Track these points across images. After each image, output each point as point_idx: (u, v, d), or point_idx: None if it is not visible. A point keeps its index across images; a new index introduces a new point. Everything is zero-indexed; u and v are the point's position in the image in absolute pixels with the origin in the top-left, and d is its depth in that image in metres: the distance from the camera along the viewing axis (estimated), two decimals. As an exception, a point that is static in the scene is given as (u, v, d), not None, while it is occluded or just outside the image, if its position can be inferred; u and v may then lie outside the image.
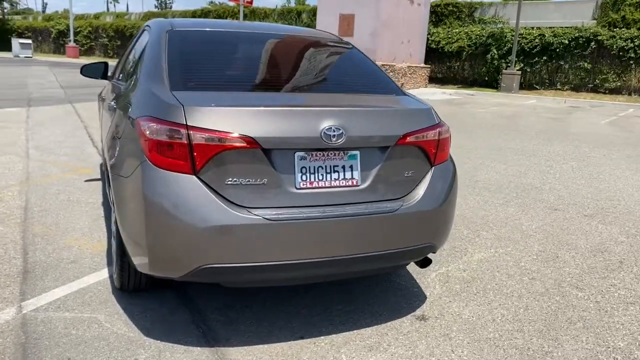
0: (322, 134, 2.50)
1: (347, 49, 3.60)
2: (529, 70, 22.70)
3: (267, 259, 2.46)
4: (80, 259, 3.60)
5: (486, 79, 23.74)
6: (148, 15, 42.07)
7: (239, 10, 28.64)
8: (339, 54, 3.61)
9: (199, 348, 2.64)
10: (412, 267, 3.69)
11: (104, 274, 3.39)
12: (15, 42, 39.74)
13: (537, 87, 22.69)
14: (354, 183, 2.63)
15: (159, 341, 2.68)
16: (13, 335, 2.67)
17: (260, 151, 2.44)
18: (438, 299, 3.27)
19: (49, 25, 46.96)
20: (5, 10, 48.29)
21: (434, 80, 24.71)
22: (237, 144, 2.40)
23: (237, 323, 2.88)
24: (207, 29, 3.47)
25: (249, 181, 2.44)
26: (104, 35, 42.06)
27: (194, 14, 38.24)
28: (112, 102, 3.53)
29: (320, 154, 2.56)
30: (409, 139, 2.73)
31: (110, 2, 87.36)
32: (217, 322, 2.87)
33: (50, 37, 46.43)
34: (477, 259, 3.94)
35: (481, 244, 4.26)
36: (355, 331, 2.87)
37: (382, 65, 18.34)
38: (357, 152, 2.63)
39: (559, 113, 15.02)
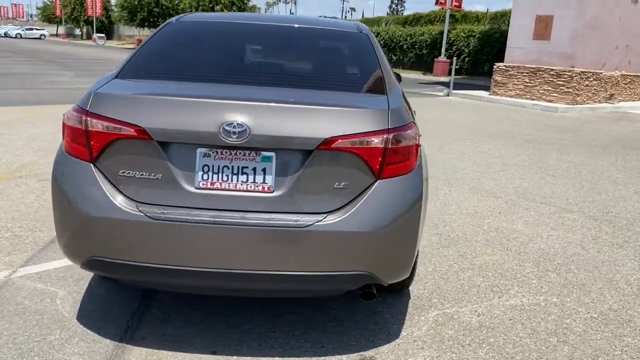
0: (222, 129, 2.22)
1: (352, 42, 3.16)
2: None
3: (149, 260, 2.28)
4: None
5: None
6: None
7: (444, 15, 28.06)
8: (334, 47, 3.21)
9: (108, 341, 2.58)
10: (414, 299, 3.13)
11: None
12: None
13: None
14: (266, 189, 2.29)
15: (82, 326, 2.69)
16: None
17: (155, 143, 2.27)
18: (408, 343, 2.70)
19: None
20: None
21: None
22: (127, 134, 2.26)
23: (168, 324, 2.74)
24: (211, 20, 3.37)
25: (142, 175, 2.29)
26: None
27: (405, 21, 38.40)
28: None
29: (227, 153, 2.28)
30: (336, 144, 2.27)
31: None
32: (152, 320, 2.78)
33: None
34: (510, 305, 3.17)
35: (535, 287, 3.42)
36: (277, 358, 2.52)
37: (583, 72, 16.19)
38: (272, 154, 2.28)
39: None
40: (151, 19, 51.08)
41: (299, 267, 2.28)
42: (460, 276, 3.52)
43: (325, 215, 2.29)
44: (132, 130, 2.25)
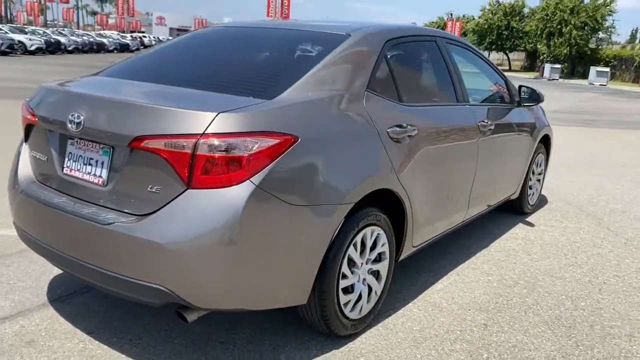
0: (68, 119, 2.33)
1: (323, 45, 2.75)
2: None
3: (25, 227, 2.56)
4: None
5: None
6: None
7: None
8: (299, 50, 2.82)
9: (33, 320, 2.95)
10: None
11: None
12: (593, 70, 40.58)
13: None
14: (99, 182, 2.30)
15: (28, 295, 3.11)
16: None
17: (44, 130, 2.53)
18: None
19: (635, 53, 45.16)
20: (599, 40, 49.23)
21: None
22: (29, 117, 2.59)
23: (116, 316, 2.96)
24: (225, 26, 3.42)
25: (37, 156, 2.59)
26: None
27: None
28: None
29: (82, 143, 2.37)
30: (143, 144, 2.11)
31: None
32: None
33: (633, 65, 44.69)
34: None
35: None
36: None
37: None
38: (109, 149, 2.28)
39: None
40: (499, 42, 51.02)
41: (102, 264, 2.20)
42: None
43: (136, 217, 2.16)
44: (31, 115, 2.57)
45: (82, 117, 2.27)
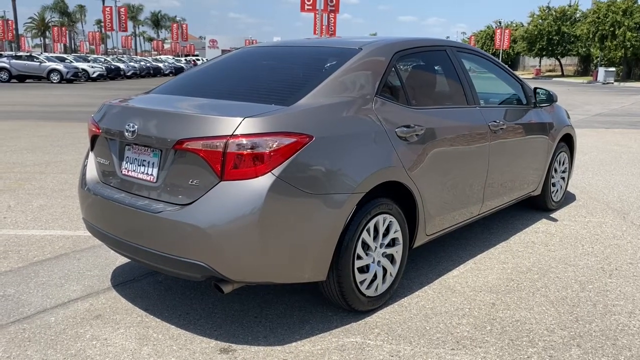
0: (125, 128, 2.85)
1: (338, 58, 3.18)
2: None
3: (91, 220, 3.09)
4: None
5: None
6: None
7: None
8: (316, 64, 3.27)
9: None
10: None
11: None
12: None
13: None
14: (151, 179, 2.79)
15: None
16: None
17: (106, 139, 3.07)
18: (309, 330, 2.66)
19: None
20: None
21: None
22: (93, 129, 3.14)
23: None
24: (258, 46, 3.91)
25: (101, 161, 3.13)
26: None
27: None
28: None
29: (137, 148, 2.88)
30: (185, 145, 2.58)
31: None
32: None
33: None
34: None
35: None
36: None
37: None
38: (159, 151, 2.77)
39: None
40: (550, 48, 49.99)
41: (154, 247, 2.68)
42: None
43: (180, 206, 2.63)
44: (95, 127, 3.12)
45: (136, 126, 2.78)
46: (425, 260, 3.83)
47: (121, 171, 2.95)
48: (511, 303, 3.21)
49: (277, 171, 2.51)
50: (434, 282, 3.49)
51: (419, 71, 3.86)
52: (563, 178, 5.26)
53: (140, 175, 2.83)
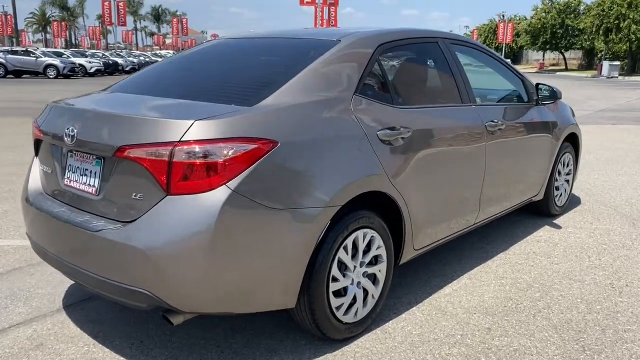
0: (65, 132, 2.47)
1: (315, 50, 2.79)
2: None
3: (33, 236, 2.72)
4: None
5: None
6: None
7: None
8: (286, 59, 2.89)
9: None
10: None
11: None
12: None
13: None
14: (92, 192, 2.42)
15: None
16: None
17: (49, 144, 2.69)
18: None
19: None
20: None
21: None
22: (37, 133, 2.76)
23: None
24: (231, 38, 3.52)
25: (45, 169, 2.75)
26: None
27: None
28: None
29: (79, 155, 2.50)
30: (126, 153, 2.20)
31: None
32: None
33: None
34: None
35: None
36: None
37: None
38: (100, 159, 2.40)
39: None
40: (553, 42, 49.40)
41: (94, 270, 2.31)
42: None
43: (122, 224, 2.26)
44: (37, 130, 2.74)
45: (75, 131, 2.40)
46: (416, 275, 3.46)
47: (63, 181, 2.58)
48: (509, 328, 2.84)
49: (233, 183, 2.13)
50: (424, 302, 3.12)
51: (406, 66, 3.47)
52: (567, 181, 4.87)
53: (81, 187, 2.46)
